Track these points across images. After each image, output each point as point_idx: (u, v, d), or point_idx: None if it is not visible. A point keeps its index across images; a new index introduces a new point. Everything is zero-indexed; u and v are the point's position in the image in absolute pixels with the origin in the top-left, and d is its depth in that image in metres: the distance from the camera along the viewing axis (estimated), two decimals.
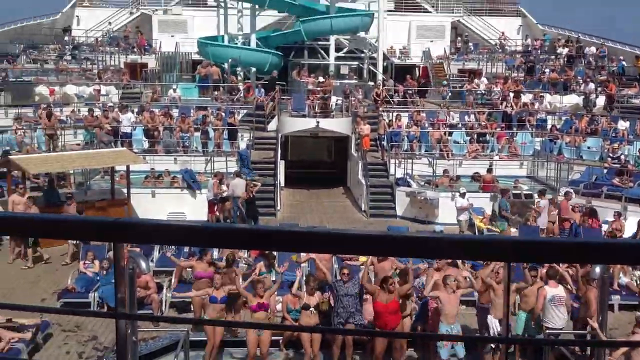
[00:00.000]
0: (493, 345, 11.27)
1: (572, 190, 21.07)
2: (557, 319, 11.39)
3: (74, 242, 16.79)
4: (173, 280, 14.71)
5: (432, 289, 11.35)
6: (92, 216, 12.86)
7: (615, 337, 10.37)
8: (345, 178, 27.26)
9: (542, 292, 11.51)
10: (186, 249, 16.65)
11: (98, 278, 14.41)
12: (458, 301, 11.39)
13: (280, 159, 25.23)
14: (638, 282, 15.29)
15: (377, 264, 12.94)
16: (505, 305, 2.26)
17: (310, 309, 11.25)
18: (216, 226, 2.19)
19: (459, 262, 13.17)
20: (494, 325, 11.25)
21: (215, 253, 16.04)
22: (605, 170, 23.40)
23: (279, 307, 12.50)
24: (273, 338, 11.64)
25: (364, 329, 11.80)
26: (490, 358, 11.46)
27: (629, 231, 18.14)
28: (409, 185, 23.15)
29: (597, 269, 9.98)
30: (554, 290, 11.60)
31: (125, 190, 20.70)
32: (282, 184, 24.89)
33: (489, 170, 23.51)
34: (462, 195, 20.67)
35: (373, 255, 2.45)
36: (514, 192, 22.04)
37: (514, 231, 18.75)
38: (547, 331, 11.12)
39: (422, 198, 22.09)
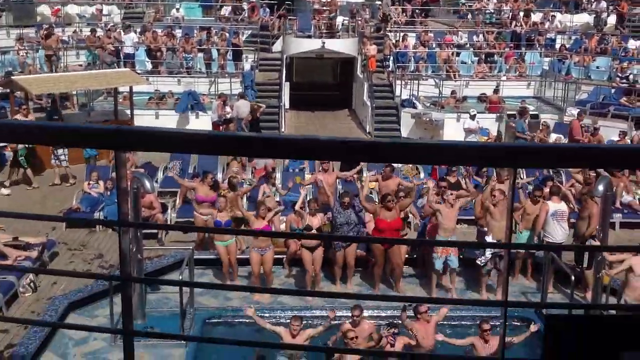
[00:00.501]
0: (490, 266, 11.35)
1: (581, 110, 20.86)
2: (558, 234, 11.54)
3: (59, 163, 16.98)
4: (178, 201, 14.83)
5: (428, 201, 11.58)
6: (93, 125, 12.78)
7: (615, 254, 10.45)
8: (350, 100, 27.01)
9: (544, 207, 11.66)
10: (190, 170, 16.74)
11: (102, 198, 14.51)
12: (456, 215, 11.55)
13: (285, 81, 24.93)
14: None
15: (382, 182, 12.96)
16: (508, 214, 2.22)
17: (313, 230, 11.32)
18: (219, 133, 2.13)
19: (463, 183, 13.26)
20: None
21: (219, 175, 16.11)
22: (613, 90, 23.10)
23: (282, 227, 12.60)
24: (276, 257, 11.78)
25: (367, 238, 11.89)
26: (487, 280, 11.57)
27: None
28: (415, 107, 22.93)
29: (600, 187, 9.94)
30: (557, 205, 11.75)
31: (128, 112, 20.59)
32: (287, 106, 24.70)
33: (496, 91, 23.24)
34: (472, 117, 20.49)
35: (380, 162, 2.44)
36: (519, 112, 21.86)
37: None
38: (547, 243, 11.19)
39: (428, 119, 21.94)
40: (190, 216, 13.10)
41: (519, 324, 10.73)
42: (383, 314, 10.89)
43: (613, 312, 5.85)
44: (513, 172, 1.95)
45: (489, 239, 11.13)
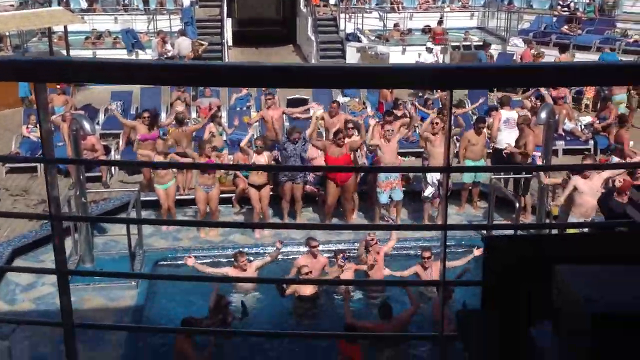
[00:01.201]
0: (433, 192, 11.52)
1: (528, 40, 21.08)
2: (508, 139, 12.04)
3: None
4: (121, 142, 14.53)
5: (370, 137, 11.60)
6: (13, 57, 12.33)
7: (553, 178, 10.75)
8: (295, 35, 26.61)
9: (497, 115, 12.53)
10: (132, 111, 16.36)
11: None
12: (396, 149, 11.61)
13: (227, 17, 24.33)
14: (582, 127, 15.67)
15: (328, 120, 12.91)
16: (446, 138, 2.22)
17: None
18: (150, 62, 2.04)
19: (412, 111, 13.35)
20: (434, 177, 11.46)
21: (163, 115, 15.80)
22: (554, 19, 23.31)
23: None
24: (224, 195, 11.71)
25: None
26: (430, 207, 11.76)
27: None
28: (360, 41, 22.75)
29: (543, 114, 10.10)
30: (508, 113, 12.56)
31: (64, 52, 19.86)
32: (230, 42, 24.18)
33: (440, 23, 23.19)
34: (429, 50, 20.40)
35: (315, 86, 2.40)
36: (463, 44, 21.96)
37: None
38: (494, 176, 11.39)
39: (373, 53, 21.79)
40: (135, 157, 12.86)
41: (463, 250, 11.00)
42: (334, 248, 10.99)
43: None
44: (449, 93, 1.93)
45: (429, 172, 11.29)
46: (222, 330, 8.42)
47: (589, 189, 9.52)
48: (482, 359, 1.30)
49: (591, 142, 15.17)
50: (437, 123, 11.44)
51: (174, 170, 11.87)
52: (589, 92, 17.55)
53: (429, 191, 11.49)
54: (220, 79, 1.95)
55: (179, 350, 7.80)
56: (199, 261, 9.84)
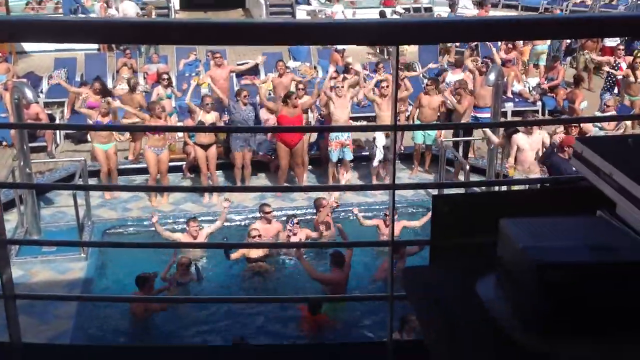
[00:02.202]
0: (381, 159, 11.56)
1: (475, 1, 21.15)
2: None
3: None
4: (66, 111, 14.14)
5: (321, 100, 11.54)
6: None
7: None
8: None
9: (444, 75, 12.93)
10: (77, 78, 15.92)
11: None
12: (347, 107, 11.54)
13: None
14: (530, 89, 15.84)
15: (276, 80, 12.79)
16: (394, 96, 2.18)
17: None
18: (92, 19, 1.96)
19: (359, 73, 13.29)
20: (381, 141, 11.47)
21: (110, 82, 15.42)
22: None
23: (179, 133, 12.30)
24: (173, 164, 11.52)
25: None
26: (377, 171, 11.81)
27: None
28: (309, 4, 22.53)
29: (492, 76, 10.15)
30: (456, 76, 12.85)
31: None
32: (177, 7, 23.69)
33: None
34: (382, 14, 20.26)
35: (268, 43, 2.33)
36: (413, 6, 21.91)
37: None
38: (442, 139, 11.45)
39: (324, 16, 21.58)
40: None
41: (418, 210, 11.12)
42: (289, 213, 10.96)
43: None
44: (396, 49, 1.87)
45: (378, 134, 11.30)
46: (174, 298, 8.36)
47: (529, 145, 9.73)
48: (427, 315, 1.27)
49: (539, 103, 15.36)
50: (386, 86, 11.41)
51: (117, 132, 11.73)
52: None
53: (378, 158, 11.50)
54: (168, 37, 1.89)
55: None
56: (152, 229, 9.73)
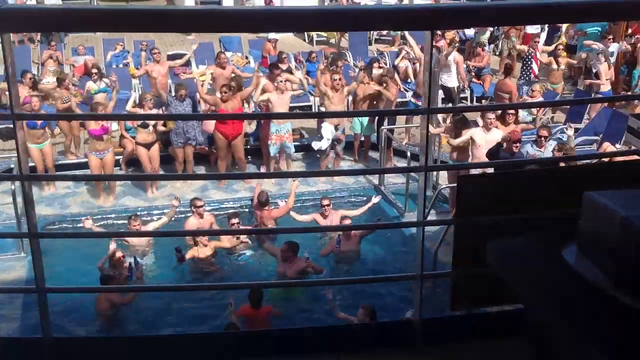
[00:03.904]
0: (326, 146, 11.64)
1: None
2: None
3: None
4: None
5: (262, 92, 11.43)
6: None
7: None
8: None
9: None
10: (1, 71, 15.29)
11: None
12: (288, 102, 11.58)
13: None
14: None
15: (217, 71, 12.68)
16: (428, 83, 2.25)
17: (149, 127, 10.90)
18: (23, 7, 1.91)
19: (294, 66, 13.32)
20: (329, 131, 11.54)
21: (35, 71, 14.89)
22: None
23: (114, 126, 12.04)
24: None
25: None
26: (326, 162, 11.89)
27: None
28: None
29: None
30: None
31: None
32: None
33: None
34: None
35: (205, 30, 2.31)
36: None
37: None
38: (385, 128, 11.62)
39: (250, 5, 21.48)
40: (8, 123, 12.07)
41: (360, 199, 11.28)
42: (229, 205, 10.93)
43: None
44: (430, 34, 1.94)
45: (325, 124, 11.37)
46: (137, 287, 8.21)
47: (485, 142, 9.41)
48: (531, 286, 1.35)
49: (467, 90, 15.76)
50: (338, 79, 11.46)
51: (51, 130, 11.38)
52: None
53: (319, 144, 11.54)
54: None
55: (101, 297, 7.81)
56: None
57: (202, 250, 9.20)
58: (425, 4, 2.17)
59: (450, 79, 13.28)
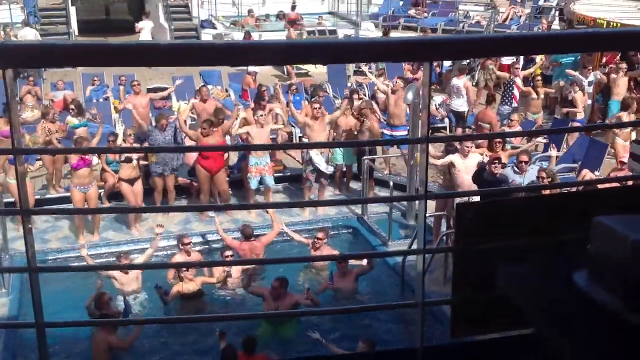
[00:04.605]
0: (313, 179, 11.66)
1: (376, 23, 21.76)
2: None
3: None
4: None
5: (240, 125, 11.46)
6: None
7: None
8: None
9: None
10: None
11: None
12: (268, 135, 11.60)
13: (72, 5, 23.17)
14: (437, 106, 16.41)
15: (199, 106, 12.70)
16: (426, 111, 2.27)
17: (133, 161, 10.86)
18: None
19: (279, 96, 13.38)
20: (318, 160, 11.54)
21: None
22: (401, 2, 24.24)
23: (95, 160, 11.96)
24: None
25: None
26: (309, 193, 11.87)
27: None
28: (215, 27, 22.50)
29: (410, 94, 10.51)
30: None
31: None
32: (76, 32, 23.07)
33: (293, 8, 23.42)
34: (288, 36, 20.44)
35: (188, 64, 2.28)
36: (318, 29, 22.31)
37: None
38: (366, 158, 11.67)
39: (230, 40, 21.62)
40: None
41: (342, 231, 11.28)
42: (213, 238, 10.87)
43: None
44: (429, 65, 1.99)
45: (312, 153, 11.39)
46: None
47: (464, 168, 9.45)
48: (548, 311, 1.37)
49: (446, 120, 15.94)
50: (318, 107, 11.53)
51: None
52: None
53: (324, 166, 11.50)
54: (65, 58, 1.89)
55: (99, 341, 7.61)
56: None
57: (187, 286, 9.11)
58: (422, 36, 2.21)
59: (462, 105, 14.70)
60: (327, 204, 12.79)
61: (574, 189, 3.69)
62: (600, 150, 12.23)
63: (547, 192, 5.49)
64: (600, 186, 3.75)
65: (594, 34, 2.53)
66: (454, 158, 9.53)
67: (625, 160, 11.09)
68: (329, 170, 11.61)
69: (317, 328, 7.92)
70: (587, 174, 10.95)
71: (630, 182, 8.65)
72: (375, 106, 13.12)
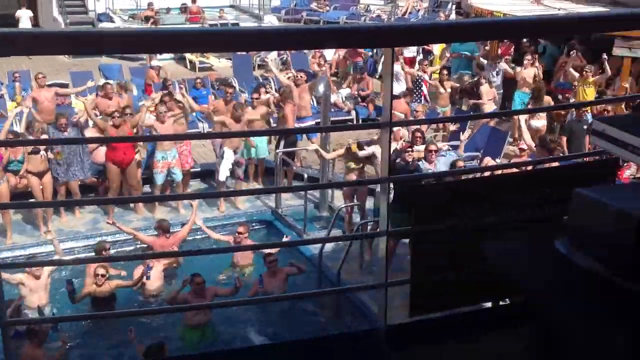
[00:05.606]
0: (228, 175, 11.57)
1: (279, 17, 21.74)
2: None
3: None
4: None
5: (147, 119, 11.25)
6: None
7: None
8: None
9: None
10: None
11: None
12: (171, 129, 11.27)
13: None
14: (343, 99, 16.66)
15: (102, 102, 12.31)
16: (388, 95, 2.34)
17: (41, 154, 10.41)
18: None
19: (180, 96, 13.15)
20: (231, 156, 11.44)
21: None
22: None
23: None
24: None
25: None
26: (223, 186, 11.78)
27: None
28: (112, 21, 21.85)
29: (321, 87, 10.63)
30: None
31: None
32: None
33: (194, 1, 23.07)
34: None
35: (110, 52, 2.26)
36: (220, 22, 22.09)
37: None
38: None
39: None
40: None
41: (258, 226, 11.27)
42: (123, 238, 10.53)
43: None
44: (391, 52, 2.04)
45: (226, 150, 11.27)
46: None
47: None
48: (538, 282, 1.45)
49: (353, 112, 16.20)
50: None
51: None
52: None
53: (224, 174, 11.40)
54: None
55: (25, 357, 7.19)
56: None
57: (99, 289, 8.80)
58: (385, 23, 2.26)
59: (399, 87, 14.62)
60: (289, 190, 12.77)
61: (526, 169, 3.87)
62: (500, 139, 12.77)
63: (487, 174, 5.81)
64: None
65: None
66: (375, 149, 9.72)
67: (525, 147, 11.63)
68: (225, 175, 11.49)
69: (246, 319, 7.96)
70: (489, 161, 11.41)
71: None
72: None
